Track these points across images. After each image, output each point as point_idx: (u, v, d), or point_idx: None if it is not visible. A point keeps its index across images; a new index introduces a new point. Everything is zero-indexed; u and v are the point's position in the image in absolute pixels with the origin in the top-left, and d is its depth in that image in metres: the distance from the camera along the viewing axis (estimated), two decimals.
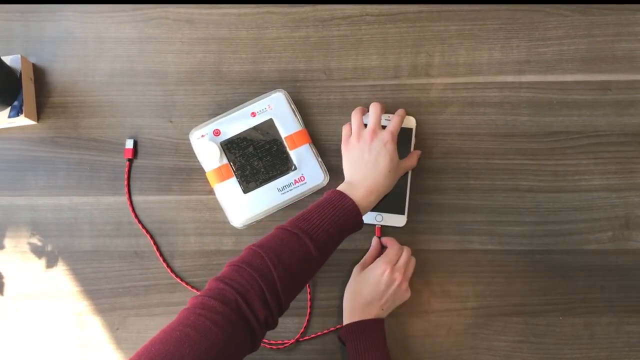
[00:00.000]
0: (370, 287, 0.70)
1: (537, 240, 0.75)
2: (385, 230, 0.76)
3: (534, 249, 0.75)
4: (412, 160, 0.74)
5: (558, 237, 0.75)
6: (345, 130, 0.74)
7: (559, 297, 0.75)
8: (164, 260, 0.76)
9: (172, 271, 0.76)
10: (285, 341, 0.75)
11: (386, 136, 0.70)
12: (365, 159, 0.69)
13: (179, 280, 0.76)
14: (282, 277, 0.58)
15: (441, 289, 0.75)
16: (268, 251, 0.59)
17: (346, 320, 0.71)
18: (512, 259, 0.75)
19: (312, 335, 0.75)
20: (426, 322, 0.75)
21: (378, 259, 0.72)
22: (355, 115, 0.73)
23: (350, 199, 0.65)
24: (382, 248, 0.75)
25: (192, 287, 0.76)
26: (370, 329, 0.69)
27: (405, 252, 0.72)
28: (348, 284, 0.73)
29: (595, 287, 0.75)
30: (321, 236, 0.61)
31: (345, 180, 0.70)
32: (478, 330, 0.74)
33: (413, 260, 0.73)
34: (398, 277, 0.70)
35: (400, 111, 0.75)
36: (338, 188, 0.67)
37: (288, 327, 0.75)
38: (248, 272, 0.57)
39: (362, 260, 0.74)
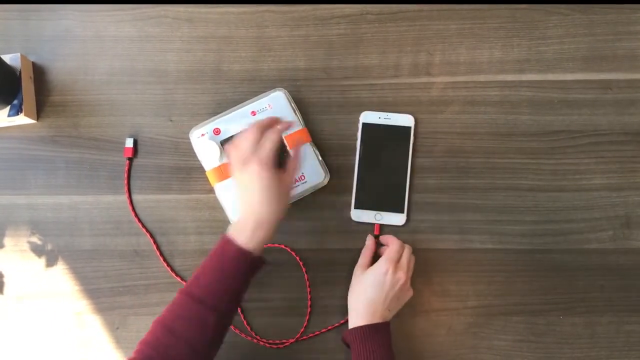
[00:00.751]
0: (374, 288, 0.69)
1: (537, 240, 0.75)
2: (385, 229, 0.76)
3: (534, 248, 0.75)
4: (290, 174, 0.67)
5: (558, 237, 0.75)
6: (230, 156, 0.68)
7: (559, 297, 0.75)
8: (164, 259, 0.76)
9: (172, 270, 0.76)
10: (284, 340, 0.75)
11: (255, 167, 0.62)
12: (243, 193, 0.64)
13: (179, 280, 0.76)
14: (189, 354, 0.59)
15: (441, 288, 0.75)
16: (171, 325, 0.60)
17: (352, 324, 0.69)
18: (512, 258, 0.75)
19: (311, 335, 0.75)
20: (426, 321, 0.75)
21: (381, 258, 0.71)
22: (239, 140, 0.66)
23: (235, 246, 0.62)
24: (379, 245, 0.75)
25: None
26: (375, 333, 0.68)
27: (407, 249, 0.72)
28: (351, 286, 0.72)
29: (596, 286, 0.75)
30: (218, 296, 0.61)
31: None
32: (478, 330, 0.74)
33: (413, 258, 0.72)
34: (402, 276, 0.69)
35: (272, 130, 0.65)
36: (229, 229, 0.64)
37: (289, 326, 0.75)
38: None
39: (360, 261, 0.73)
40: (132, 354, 0.59)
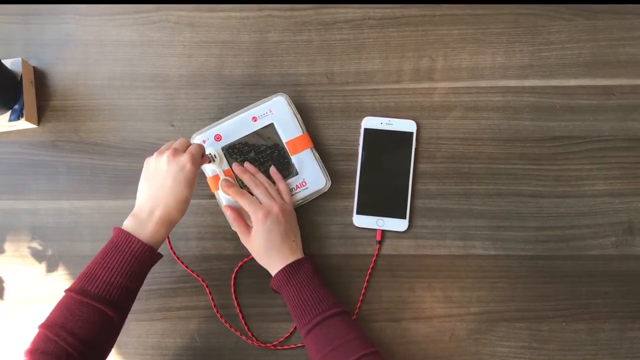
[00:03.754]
0: (266, 239, 0.68)
1: (540, 246, 0.75)
2: (387, 235, 0.76)
3: (537, 254, 0.75)
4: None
5: (561, 243, 0.75)
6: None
7: (562, 303, 0.74)
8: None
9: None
10: (275, 342, 0.74)
11: (184, 159, 0.64)
12: (159, 184, 0.64)
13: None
14: (83, 353, 0.56)
15: (444, 294, 0.75)
16: (60, 331, 0.56)
17: (273, 274, 0.69)
18: (515, 264, 0.75)
19: None
20: (429, 327, 0.74)
21: (250, 213, 0.69)
22: (168, 143, 0.69)
23: (138, 241, 0.61)
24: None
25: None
26: (297, 270, 0.67)
27: (261, 186, 0.71)
28: (254, 255, 0.71)
29: (599, 292, 0.74)
30: (115, 293, 0.59)
31: (134, 209, 0.65)
32: (481, 336, 0.74)
33: (282, 183, 0.73)
34: (274, 208, 0.68)
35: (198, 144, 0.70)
36: (125, 223, 0.63)
37: (289, 330, 0.75)
38: None
39: (239, 233, 0.71)
40: None
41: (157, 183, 0.64)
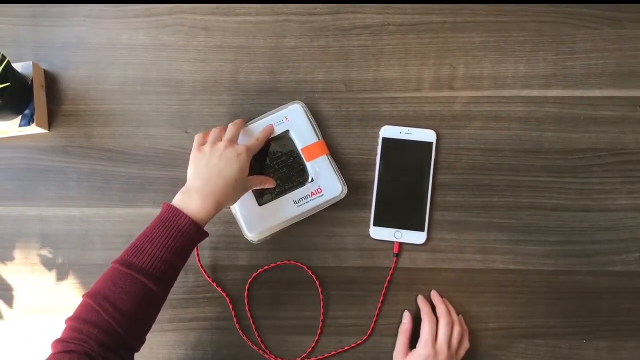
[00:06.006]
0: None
1: (561, 261, 0.73)
2: (404, 248, 0.74)
3: (558, 270, 0.73)
4: (259, 180, 0.71)
5: (583, 258, 0.73)
6: (198, 138, 0.68)
7: (583, 320, 0.73)
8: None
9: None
10: (298, 359, 0.73)
11: (241, 148, 0.66)
12: (212, 165, 0.64)
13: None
14: (123, 325, 0.55)
15: (462, 310, 0.73)
16: (102, 302, 0.55)
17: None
18: (535, 279, 0.73)
19: (327, 355, 0.73)
20: None
21: (420, 339, 0.68)
22: (215, 130, 0.69)
23: (185, 216, 0.60)
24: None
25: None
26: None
27: (456, 325, 0.69)
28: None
29: (621, 309, 0.73)
30: (159, 267, 0.58)
31: (183, 187, 0.64)
32: (499, 353, 0.72)
33: (462, 331, 0.69)
34: (442, 354, 0.66)
35: (265, 129, 0.73)
36: (174, 200, 0.62)
37: (305, 345, 0.73)
38: (87, 331, 0.54)
39: (397, 345, 0.70)
40: (61, 334, 0.55)
41: (210, 166, 0.64)
